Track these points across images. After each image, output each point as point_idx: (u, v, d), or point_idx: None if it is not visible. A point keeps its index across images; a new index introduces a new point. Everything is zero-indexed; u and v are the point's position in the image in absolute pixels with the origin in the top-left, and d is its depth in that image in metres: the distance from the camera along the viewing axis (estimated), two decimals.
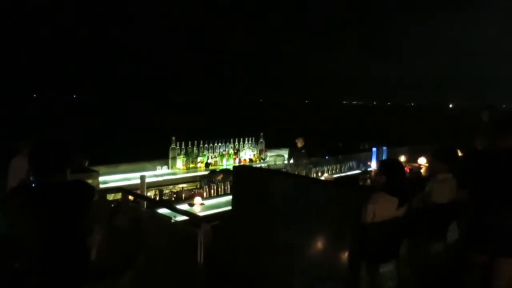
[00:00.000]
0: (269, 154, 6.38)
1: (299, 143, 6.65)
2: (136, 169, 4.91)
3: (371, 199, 2.69)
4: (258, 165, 5.75)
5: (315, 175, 5.41)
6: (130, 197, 3.76)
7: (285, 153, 6.53)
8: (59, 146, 2.53)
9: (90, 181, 3.83)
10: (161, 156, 5.44)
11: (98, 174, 4.22)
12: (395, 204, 2.75)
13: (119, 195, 3.89)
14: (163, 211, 3.74)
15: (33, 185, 2.46)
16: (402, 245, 2.91)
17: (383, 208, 2.71)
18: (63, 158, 2.54)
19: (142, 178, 4.15)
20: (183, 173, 5.19)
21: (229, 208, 3.70)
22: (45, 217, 2.42)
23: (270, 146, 6.62)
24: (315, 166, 5.49)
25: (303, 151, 6.47)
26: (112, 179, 4.59)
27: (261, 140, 6.36)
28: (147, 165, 5.14)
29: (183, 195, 4.41)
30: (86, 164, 4.50)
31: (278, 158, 6.07)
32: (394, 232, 2.81)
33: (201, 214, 3.93)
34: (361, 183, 4.94)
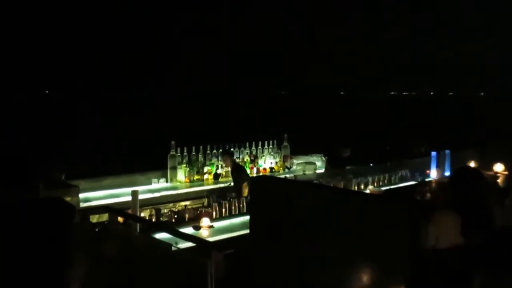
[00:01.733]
0: (295, 161, 6.39)
1: (345, 153, 6.56)
2: (126, 183, 4.99)
3: (434, 219, 2.65)
4: (282, 176, 5.76)
5: (356, 187, 5.38)
6: (120, 219, 3.79)
7: (316, 160, 6.52)
8: (10, 158, 2.62)
9: (68, 198, 3.89)
10: (158, 166, 5.52)
11: (78, 190, 4.28)
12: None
13: (105, 216, 3.93)
14: (161, 236, 3.75)
15: None
16: (473, 281, 2.86)
17: (450, 232, 2.66)
18: (18, 171, 2.63)
19: (134, 194, 4.19)
20: (186, 187, 5.26)
21: (246, 231, 3.72)
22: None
23: (296, 151, 6.62)
24: (356, 177, 5.46)
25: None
26: (95, 196, 4.68)
27: (285, 143, 6.37)
28: (140, 178, 5.22)
29: (187, 216, 4.46)
30: (63, 177, 4.57)
31: (308, 166, 6.06)
32: (463, 264, 2.75)
33: (211, 239, 3.95)
34: (418, 198, 4.88)
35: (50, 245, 2.62)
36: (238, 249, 3.71)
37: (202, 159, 5.61)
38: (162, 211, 4.49)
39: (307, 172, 5.94)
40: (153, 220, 4.36)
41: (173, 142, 5.40)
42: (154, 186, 5.20)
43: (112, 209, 3.73)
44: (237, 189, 5.18)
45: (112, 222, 3.64)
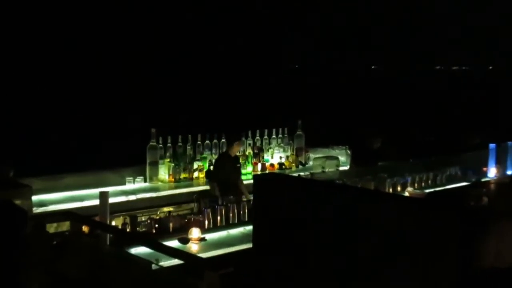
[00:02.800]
0: (312, 155, 6.40)
1: (375, 144, 6.56)
2: (92, 182, 5.02)
3: (493, 230, 2.66)
4: (295, 174, 5.78)
5: (391, 189, 5.39)
6: (84, 228, 3.83)
7: (339, 154, 6.53)
8: None
9: (17, 201, 3.90)
10: (133, 160, 5.56)
11: (30, 191, 4.32)
12: None
13: (65, 225, 4.00)
14: (138, 251, 3.79)
15: None
16: None
17: None
18: None
19: (103, 196, 4.20)
20: (170, 188, 5.29)
21: (248, 245, 3.74)
22: None
23: (313, 142, 6.63)
24: (390, 176, 5.47)
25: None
26: (53, 199, 4.72)
27: (299, 132, 6.39)
28: (110, 176, 5.26)
29: (171, 225, 4.48)
30: (11, 174, 4.60)
31: (328, 162, 6.08)
32: None
33: (202, 255, 3.97)
34: (472, 203, 4.88)
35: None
36: (238, 267, 3.74)
37: (191, 152, 5.63)
38: (139, 219, 4.55)
39: (327, 170, 5.95)
40: (128, 230, 4.38)
41: (153, 130, 5.42)
42: (129, 186, 5.23)
43: (74, 216, 3.77)
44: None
45: (75, 233, 3.69)
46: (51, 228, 4.03)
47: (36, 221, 3.67)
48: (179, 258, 3.29)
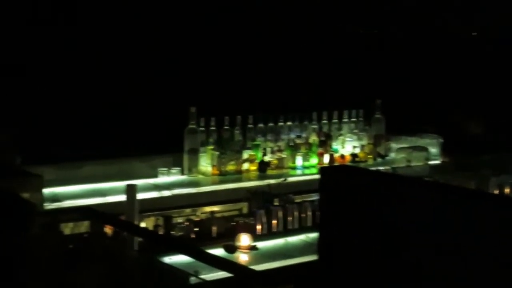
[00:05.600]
0: (394, 145, 6.35)
1: (475, 131, 6.46)
2: (117, 173, 5.13)
3: None
4: (373, 168, 5.76)
5: (497, 190, 5.32)
6: (107, 229, 3.89)
7: (430, 143, 6.46)
8: None
9: (25, 194, 4.00)
10: (167, 147, 5.66)
11: (41, 182, 4.42)
12: None
13: (84, 226, 4.10)
14: (173, 259, 3.88)
15: None
16: None
17: None
18: None
19: (131, 191, 4.31)
20: (214, 183, 5.35)
21: (311, 257, 3.80)
22: None
23: (395, 128, 6.55)
24: (496, 173, 5.39)
25: None
26: (68, 193, 4.81)
27: (378, 115, 6.34)
28: (140, 166, 5.35)
29: (215, 229, 4.56)
30: (18, 161, 4.71)
31: (416, 154, 6.05)
32: None
33: (253, 268, 4.00)
34: None
35: None
36: (298, 284, 3.76)
37: (241, 138, 5.66)
38: (174, 220, 4.62)
39: (414, 163, 5.92)
40: (161, 233, 4.45)
41: (193, 110, 5.47)
42: (162, 179, 5.30)
43: (95, 213, 3.83)
44: None
45: (96, 235, 3.75)
46: (67, 228, 4.10)
47: (47, 219, 3.76)
48: (227, 271, 3.30)
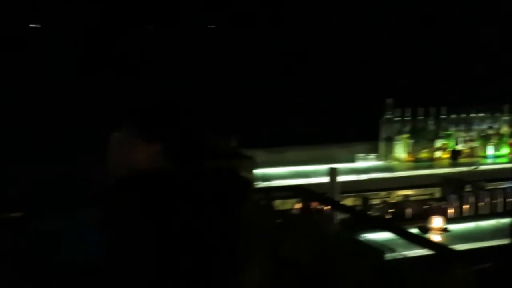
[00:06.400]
0: None
1: None
2: (319, 157, 5.44)
3: None
4: None
5: None
6: (314, 206, 4.19)
7: None
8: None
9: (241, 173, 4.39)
10: (364, 135, 5.90)
11: (253, 163, 4.73)
12: None
13: (288, 203, 4.46)
14: (369, 237, 4.01)
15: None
16: None
17: None
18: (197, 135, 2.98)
19: (333, 174, 4.65)
20: (408, 168, 5.49)
21: (504, 241, 4.00)
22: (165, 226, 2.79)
23: None
24: None
25: None
26: (276, 173, 5.20)
27: None
28: (339, 151, 5.62)
29: (408, 211, 4.80)
30: (235, 145, 5.13)
31: None
32: None
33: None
34: None
35: (220, 234, 2.92)
36: (496, 263, 3.84)
37: (434, 127, 5.78)
38: (371, 202, 4.91)
39: None
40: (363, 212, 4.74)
41: (389, 101, 5.67)
42: (359, 164, 5.51)
43: (305, 192, 4.14)
44: None
45: (304, 211, 4.07)
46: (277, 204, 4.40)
47: (263, 196, 4.14)
48: (430, 248, 3.44)
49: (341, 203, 4.59)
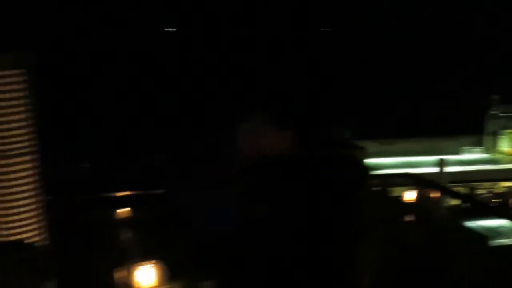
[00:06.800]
0: None
1: None
2: (426, 149, 5.70)
3: None
4: None
5: None
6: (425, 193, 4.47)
7: None
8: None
9: None
10: (470, 129, 6.03)
11: (364, 153, 4.75)
12: None
13: (397, 190, 4.66)
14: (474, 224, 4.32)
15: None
16: None
17: None
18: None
19: (441, 164, 4.87)
20: (510, 161, 5.68)
21: None
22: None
23: None
24: None
25: None
26: (386, 163, 5.48)
27: None
28: (446, 144, 5.84)
29: (511, 201, 4.99)
30: (348, 136, 5.41)
31: None
32: None
33: None
34: None
35: (341, 217, 2.94)
36: None
37: None
38: (476, 192, 5.09)
39: None
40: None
41: (495, 97, 5.83)
42: (465, 156, 5.75)
43: (416, 178, 4.38)
44: None
45: (422, 198, 4.34)
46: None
47: (377, 181, 4.42)
48: None
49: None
